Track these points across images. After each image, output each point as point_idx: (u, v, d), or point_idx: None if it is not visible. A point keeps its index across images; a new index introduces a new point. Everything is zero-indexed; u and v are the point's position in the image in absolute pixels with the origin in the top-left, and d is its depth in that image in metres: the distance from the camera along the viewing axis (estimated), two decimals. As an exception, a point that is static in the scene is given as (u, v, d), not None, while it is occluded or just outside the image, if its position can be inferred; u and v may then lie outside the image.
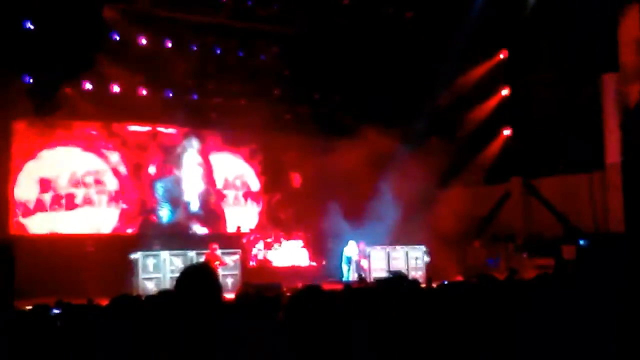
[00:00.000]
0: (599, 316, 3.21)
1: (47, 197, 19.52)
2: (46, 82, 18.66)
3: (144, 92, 20.28)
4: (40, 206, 19.38)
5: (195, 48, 19.98)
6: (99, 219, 20.20)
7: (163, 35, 19.43)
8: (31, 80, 18.50)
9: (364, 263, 18.92)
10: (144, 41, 19.30)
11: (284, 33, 20.24)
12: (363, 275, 17.97)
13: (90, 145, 20.23)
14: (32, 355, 5.08)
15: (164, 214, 21.15)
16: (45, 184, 19.50)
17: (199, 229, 21.46)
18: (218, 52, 20.46)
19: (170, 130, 21.62)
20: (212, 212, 21.86)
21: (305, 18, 20.09)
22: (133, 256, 18.31)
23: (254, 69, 20.95)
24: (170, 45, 19.56)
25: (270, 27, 20.25)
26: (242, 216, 22.40)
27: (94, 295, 10.86)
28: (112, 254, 18.68)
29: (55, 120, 19.56)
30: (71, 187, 19.84)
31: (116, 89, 19.78)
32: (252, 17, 19.77)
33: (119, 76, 19.35)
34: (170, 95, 20.82)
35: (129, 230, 20.54)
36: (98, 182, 20.24)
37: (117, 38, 18.78)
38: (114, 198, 20.42)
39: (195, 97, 21.25)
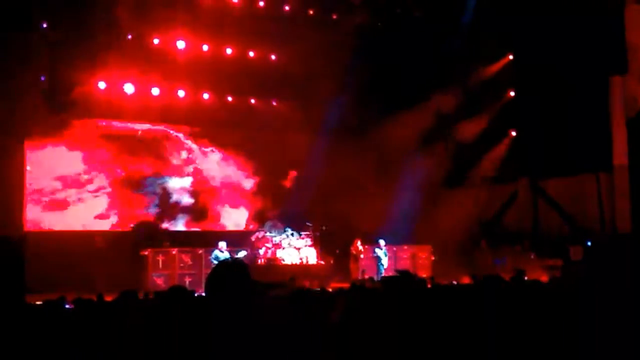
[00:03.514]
0: (607, 317, 3.17)
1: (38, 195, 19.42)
2: (60, 82, 18.76)
3: (157, 92, 20.33)
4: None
5: (206, 48, 19.98)
6: (91, 217, 20.12)
7: (175, 35, 19.40)
8: (44, 79, 18.60)
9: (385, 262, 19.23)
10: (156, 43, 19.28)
11: (296, 33, 20.17)
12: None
13: (82, 144, 20.17)
14: (42, 348, 5.07)
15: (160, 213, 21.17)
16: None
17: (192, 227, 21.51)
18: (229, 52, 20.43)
19: (167, 129, 21.60)
20: (205, 210, 21.90)
21: (316, 19, 20.08)
22: (144, 252, 18.40)
23: (266, 69, 20.90)
24: (182, 44, 19.52)
25: (282, 28, 20.19)
26: (237, 215, 22.44)
27: (103, 291, 10.84)
28: (122, 250, 18.76)
29: (58, 117, 19.60)
30: (62, 186, 19.77)
31: (128, 88, 19.85)
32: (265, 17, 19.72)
33: (124, 75, 19.36)
34: (183, 94, 20.88)
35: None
36: (89, 181, 20.18)
37: (130, 37, 18.77)
38: (108, 197, 20.37)
39: (207, 96, 21.27)
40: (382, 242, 19.41)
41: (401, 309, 4.56)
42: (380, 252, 19.28)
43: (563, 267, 17.08)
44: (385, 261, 19.25)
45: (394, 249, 20.44)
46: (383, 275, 18.49)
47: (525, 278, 11.66)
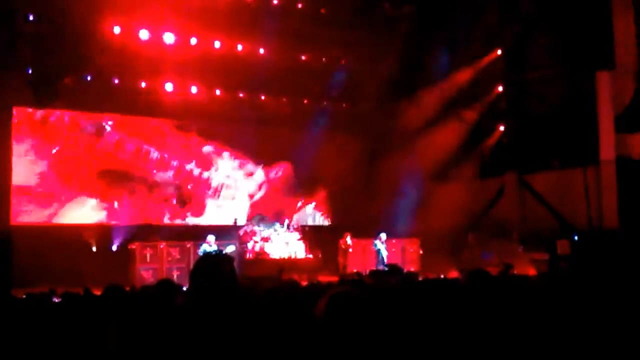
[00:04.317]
0: (594, 312, 3.18)
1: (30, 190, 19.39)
2: (46, 74, 18.68)
3: (143, 84, 20.28)
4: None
5: (195, 42, 19.85)
6: (78, 210, 20.05)
7: (163, 28, 19.27)
8: (31, 71, 18.54)
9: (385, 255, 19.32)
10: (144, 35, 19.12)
11: (284, 28, 20.06)
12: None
13: (68, 136, 20.05)
14: (29, 342, 5.04)
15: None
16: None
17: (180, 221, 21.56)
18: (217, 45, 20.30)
19: (154, 122, 21.58)
20: (193, 204, 21.94)
21: (304, 12, 20.00)
22: (131, 246, 18.37)
23: (254, 62, 20.81)
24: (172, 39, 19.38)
25: (270, 23, 20.10)
26: (225, 209, 22.50)
27: (91, 285, 10.80)
28: (110, 244, 18.71)
29: (44, 110, 19.60)
30: (48, 179, 19.67)
31: (115, 80, 19.81)
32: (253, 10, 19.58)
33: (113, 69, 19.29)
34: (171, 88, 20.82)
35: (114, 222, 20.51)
36: (76, 174, 20.11)
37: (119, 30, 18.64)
38: (94, 190, 20.35)
39: (195, 89, 21.22)
40: (383, 236, 19.40)
41: (389, 302, 4.56)
42: (380, 245, 19.31)
43: (550, 261, 17.20)
44: (384, 254, 19.29)
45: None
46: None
47: (514, 272, 11.73)
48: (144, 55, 18.95)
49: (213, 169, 22.36)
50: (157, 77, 20.16)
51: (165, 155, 21.59)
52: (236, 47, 20.49)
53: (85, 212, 20.05)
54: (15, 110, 19.10)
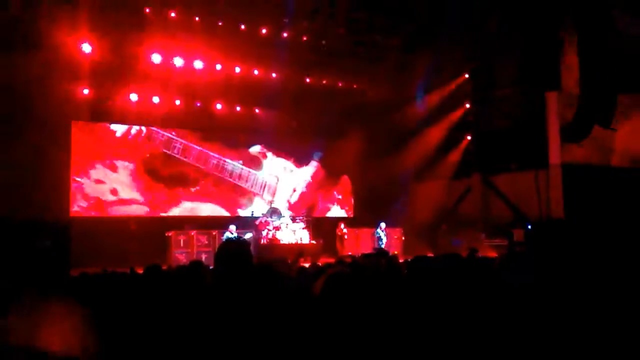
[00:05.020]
0: (542, 285, 3.19)
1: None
2: (99, 94, 18.78)
3: (177, 102, 20.36)
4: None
5: (220, 67, 19.87)
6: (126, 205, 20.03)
7: (194, 56, 19.28)
8: (87, 92, 18.61)
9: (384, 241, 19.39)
10: (178, 62, 19.14)
11: (292, 56, 20.00)
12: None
13: (117, 147, 20.05)
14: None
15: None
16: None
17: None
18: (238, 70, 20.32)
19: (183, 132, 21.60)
20: (221, 198, 21.96)
21: (309, 44, 19.97)
22: (168, 234, 18.40)
23: (268, 84, 20.80)
24: (201, 65, 19.40)
25: (281, 52, 20.07)
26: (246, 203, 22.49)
27: (135, 265, 10.79)
28: (151, 232, 18.76)
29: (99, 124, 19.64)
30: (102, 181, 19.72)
31: (155, 100, 19.90)
32: (267, 42, 19.52)
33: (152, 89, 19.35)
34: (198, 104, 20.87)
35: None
36: (127, 175, 20.18)
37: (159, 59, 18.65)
38: (140, 189, 20.34)
39: (220, 106, 21.25)
40: (382, 225, 19.49)
41: (377, 278, 4.57)
42: (381, 233, 19.39)
43: (508, 246, 17.19)
44: (384, 240, 19.34)
45: (372, 231, 20.50)
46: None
47: (478, 255, 11.70)
48: (178, 78, 19.08)
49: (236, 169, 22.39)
50: (188, 96, 20.28)
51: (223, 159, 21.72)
52: (253, 72, 20.55)
53: (132, 207, 20.06)
54: (75, 122, 19.22)
